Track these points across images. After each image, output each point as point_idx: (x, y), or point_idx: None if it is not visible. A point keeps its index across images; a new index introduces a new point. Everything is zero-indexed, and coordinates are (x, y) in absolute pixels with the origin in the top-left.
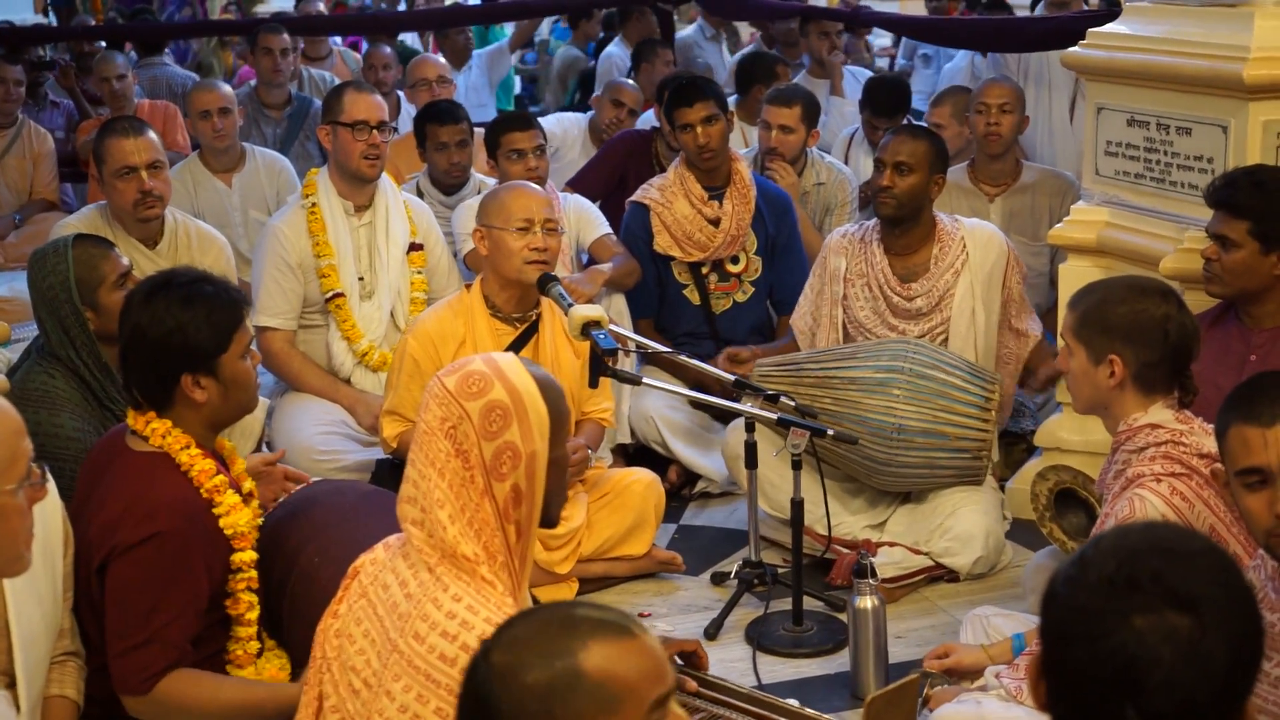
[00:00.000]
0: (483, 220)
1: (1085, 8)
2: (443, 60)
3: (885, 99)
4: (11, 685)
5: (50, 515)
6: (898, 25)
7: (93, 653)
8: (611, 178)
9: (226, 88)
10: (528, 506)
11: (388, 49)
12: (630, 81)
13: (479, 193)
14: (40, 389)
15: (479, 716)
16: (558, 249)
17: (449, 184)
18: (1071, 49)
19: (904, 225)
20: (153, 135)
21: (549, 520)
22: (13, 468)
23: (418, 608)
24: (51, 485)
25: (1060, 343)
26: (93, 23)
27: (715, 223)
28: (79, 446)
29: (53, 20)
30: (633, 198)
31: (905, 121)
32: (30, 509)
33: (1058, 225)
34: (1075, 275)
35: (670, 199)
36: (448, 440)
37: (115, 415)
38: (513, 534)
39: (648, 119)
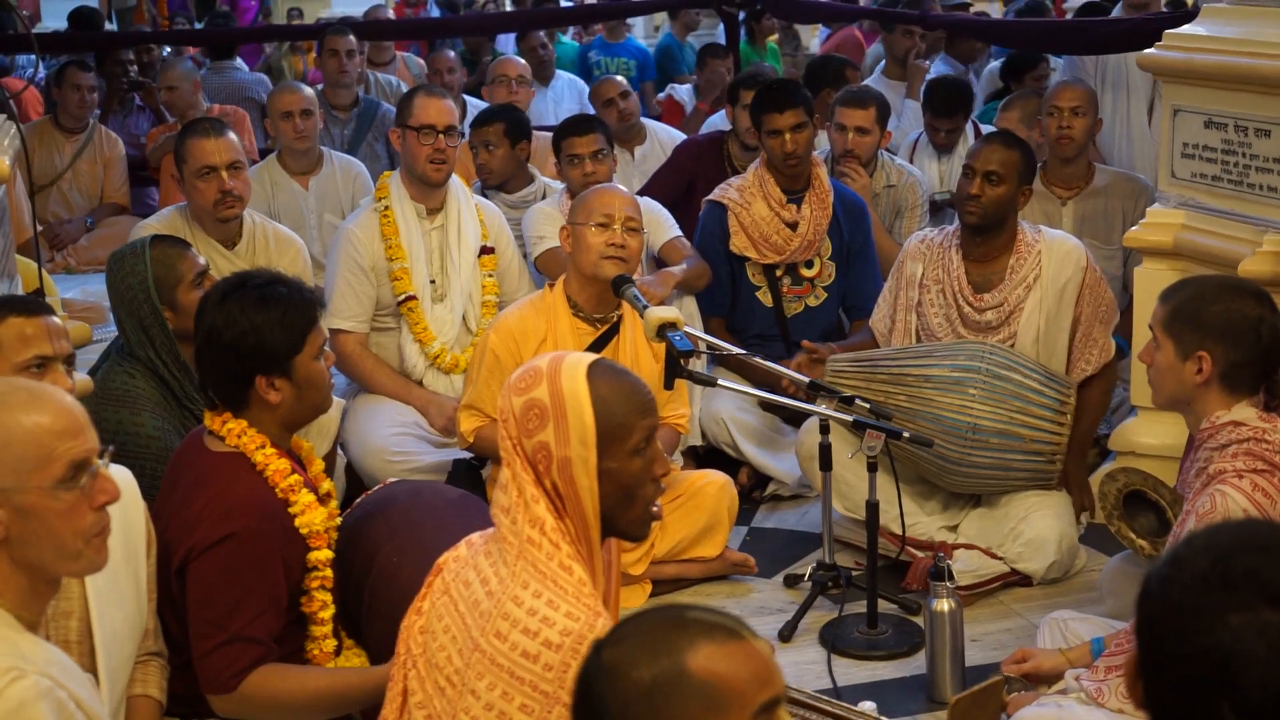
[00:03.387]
0: (570, 218)
1: (1164, 10)
2: (522, 61)
3: (944, 100)
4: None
5: (132, 517)
6: (968, 28)
7: (175, 651)
8: (680, 184)
9: (308, 89)
10: (573, 508)
11: (451, 53)
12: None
13: (544, 196)
14: (121, 389)
15: (589, 713)
16: (638, 249)
17: (487, 185)
18: (1148, 50)
19: (987, 234)
20: (233, 136)
21: (623, 534)
22: (46, 467)
23: (498, 606)
24: (134, 488)
25: (1138, 341)
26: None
27: (793, 226)
28: (160, 445)
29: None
30: (710, 197)
31: (968, 122)
32: (85, 509)
33: (1133, 228)
34: (1151, 279)
35: (749, 200)
36: (504, 429)
37: (194, 414)
38: (572, 530)
39: (713, 123)
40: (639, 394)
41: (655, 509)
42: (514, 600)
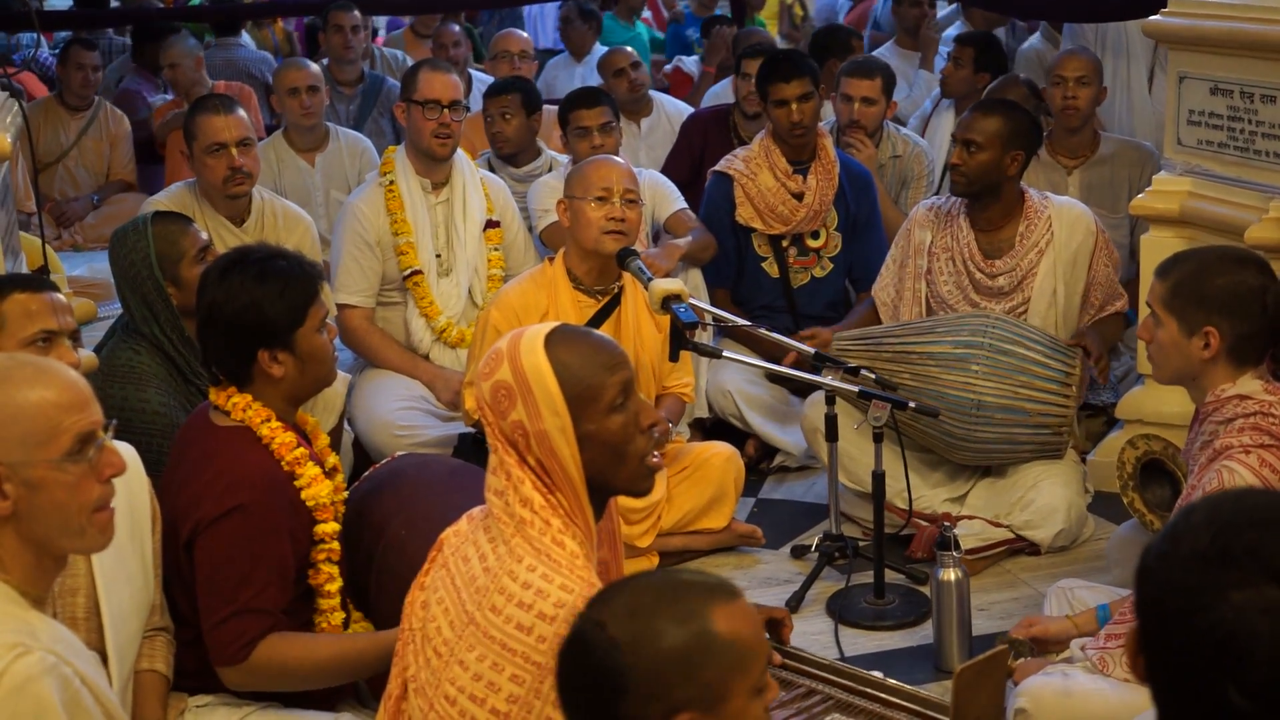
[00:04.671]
0: (566, 192)
1: None
2: (525, 35)
3: (969, 36)
4: (103, 663)
5: (137, 493)
6: None
7: (182, 626)
8: (690, 161)
9: (314, 66)
10: (561, 481)
11: (456, 26)
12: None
13: (550, 169)
14: (126, 365)
15: (606, 688)
16: (637, 220)
17: (500, 154)
18: (1153, 17)
19: (983, 201)
20: (242, 113)
21: (625, 491)
22: (54, 441)
23: (495, 581)
24: (138, 464)
25: (1144, 311)
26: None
27: (799, 196)
28: (165, 421)
29: None
30: (716, 167)
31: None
32: (92, 482)
33: (1139, 196)
34: (1157, 246)
35: (755, 170)
36: (483, 415)
37: (200, 390)
38: (564, 502)
39: (715, 93)
40: (603, 351)
41: (654, 459)
42: (509, 575)
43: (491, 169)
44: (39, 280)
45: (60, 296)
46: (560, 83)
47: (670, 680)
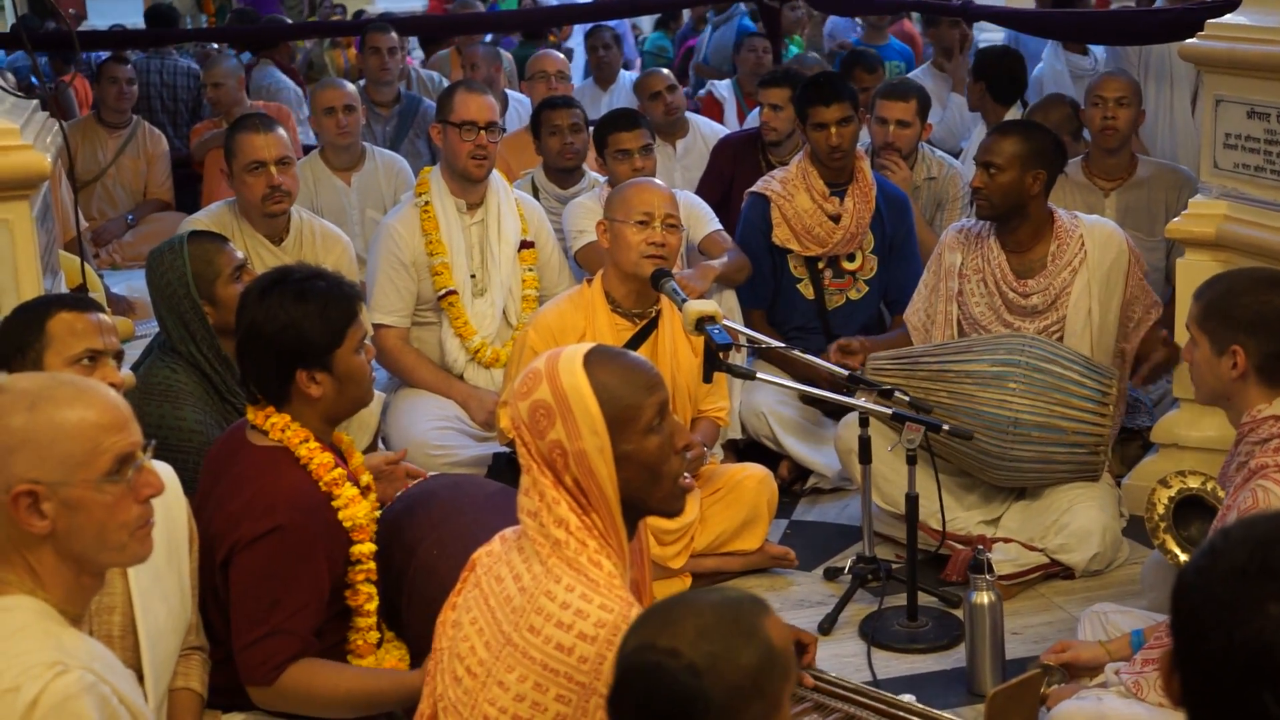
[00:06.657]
0: (607, 213)
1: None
2: (561, 56)
3: (987, 59)
4: (139, 681)
5: (175, 513)
6: (1009, 19)
7: (216, 644)
8: (721, 185)
9: (350, 86)
10: (597, 501)
11: (491, 48)
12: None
13: (593, 189)
14: (162, 383)
15: (687, 715)
16: (677, 245)
17: (563, 167)
18: (1189, 41)
19: (1010, 223)
20: (282, 132)
21: (658, 512)
22: (94, 461)
23: (531, 601)
24: (176, 484)
25: (1183, 335)
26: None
27: (835, 219)
28: (201, 440)
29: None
30: (753, 188)
31: (1018, 101)
32: (130, 503)
33: (1176, 219)
34: (1193, 270)
35: (792, 192)
36: (518, 435)
37: (236, 408)
38: (599, 523)
39: (755, 117)
40: (641, 372)
41: (686, 480)
42: (547, 595)
43: (534, 189)
44: (85, 300)
45: (105, 317)
46: (588, 110)
47: (746, 697)
